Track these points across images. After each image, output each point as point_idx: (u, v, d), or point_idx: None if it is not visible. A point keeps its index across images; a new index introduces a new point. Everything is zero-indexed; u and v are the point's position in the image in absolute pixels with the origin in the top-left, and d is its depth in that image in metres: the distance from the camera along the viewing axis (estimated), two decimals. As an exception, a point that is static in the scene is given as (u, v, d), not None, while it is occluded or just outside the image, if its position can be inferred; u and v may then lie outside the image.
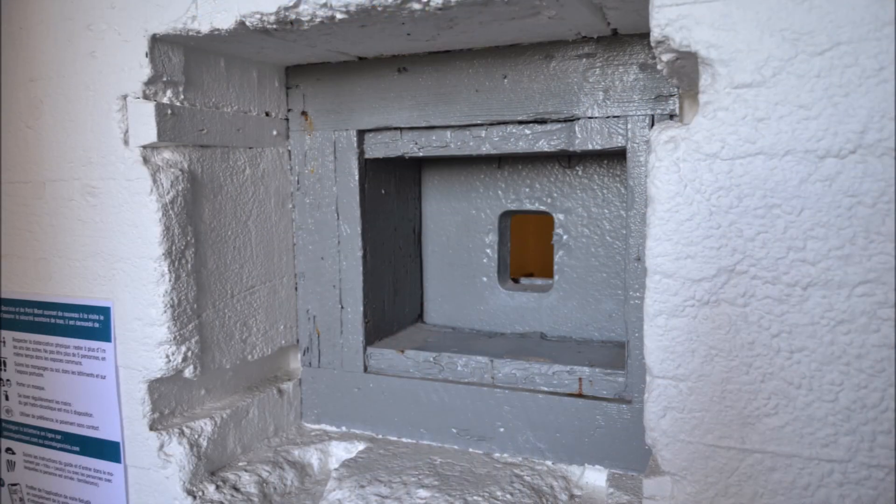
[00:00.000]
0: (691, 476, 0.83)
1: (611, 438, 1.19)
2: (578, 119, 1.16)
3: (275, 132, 1.36)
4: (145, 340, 1.15)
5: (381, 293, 1.44)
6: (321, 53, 1.26)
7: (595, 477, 1.20)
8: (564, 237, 1.44)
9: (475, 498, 1.11)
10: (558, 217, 1.44)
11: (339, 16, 0.98)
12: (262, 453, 1.31)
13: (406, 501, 1.13)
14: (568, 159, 1.43)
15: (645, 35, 1.10)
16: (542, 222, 1.63)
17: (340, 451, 1.36)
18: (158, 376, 1.15)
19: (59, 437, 1.26)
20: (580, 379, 1.22)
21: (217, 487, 1.19)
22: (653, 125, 1.08)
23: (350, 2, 0.95)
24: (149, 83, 1.10)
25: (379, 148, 1.35)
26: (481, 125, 1.25)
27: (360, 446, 1.34)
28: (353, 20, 1.00)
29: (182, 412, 1.24)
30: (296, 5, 0.98)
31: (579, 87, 1.16)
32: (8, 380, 1.30)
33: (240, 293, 1.29)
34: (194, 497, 1.16)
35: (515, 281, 1.61)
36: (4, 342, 1.29)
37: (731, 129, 0.76)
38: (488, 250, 1.53)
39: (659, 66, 0.87)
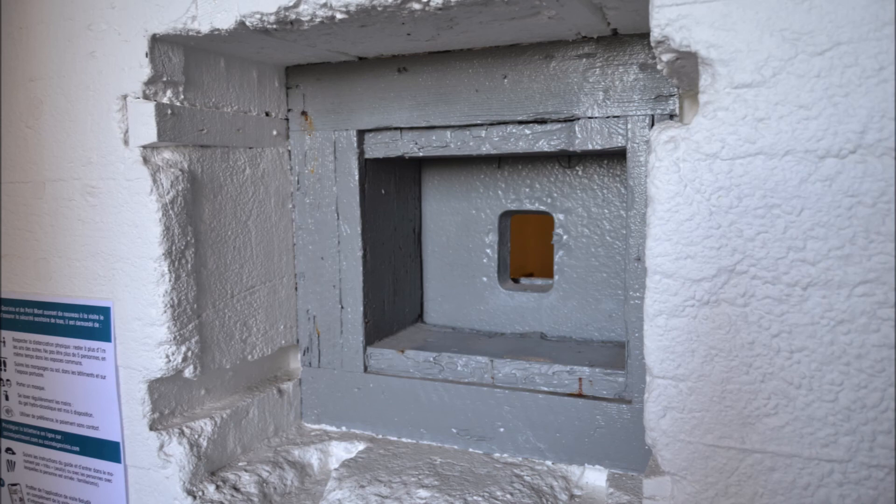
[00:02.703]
0: (691, 476, 0.83)
1: (611, 438, 1.19)
2: (578, 119, 1.16)
3: (275, 132, 1.36)
4: (145, 340, 1.15)
5: (381, 293, 1.44)
6: (321, 53, 1.26)
7: (595, 477, 1.20)
8: (564, 237, 1.44)
9: (475, 498, 1.11)
10: (558, 217, 1.44)
11: (339, 16, 0.98)
12: (262, 453, 1.31)
13: (406, 501, 1.13)
14: (568, 159, 1.43)
15: (645, 35, 1.10)
16: (542, 222, 1.63)
17: (340, 451, 1.36)
18: (158, 376, 1.15)
19: (59, 437, 1.26)
20: (580, 379, 1.22)
21: (217, 487, 1.19)
22: (653, 125, 1.08)
23: (350, 2, 0.95)
24: (149, 83, 1.10)
25: (379, 148, 1.35)
26: (481, 125, 1.25)
27: (360, 446, 1.34)
28: (353, 20, 1.00)
29: (182, 412, 1.24)
30: (296, 5, 0.98)
31: (579, 87, 1.16)
32: (8, 380, 1.30)
33: (240, 293, 1.29)
34: (194, 497, 1.16)
35: (515, 281, 1.61)
36: (4, 342, 1.29)
37: (731, 129, 0.76)
38: (488, 250, 1.53)
39: (659, 66, 0.87)
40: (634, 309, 1.14)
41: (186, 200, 1.15)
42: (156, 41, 1.09)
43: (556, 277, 1.45)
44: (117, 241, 1.15)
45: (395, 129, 1.32)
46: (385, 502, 1.13)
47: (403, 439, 1.36)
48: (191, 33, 1.06)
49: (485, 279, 1.53)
